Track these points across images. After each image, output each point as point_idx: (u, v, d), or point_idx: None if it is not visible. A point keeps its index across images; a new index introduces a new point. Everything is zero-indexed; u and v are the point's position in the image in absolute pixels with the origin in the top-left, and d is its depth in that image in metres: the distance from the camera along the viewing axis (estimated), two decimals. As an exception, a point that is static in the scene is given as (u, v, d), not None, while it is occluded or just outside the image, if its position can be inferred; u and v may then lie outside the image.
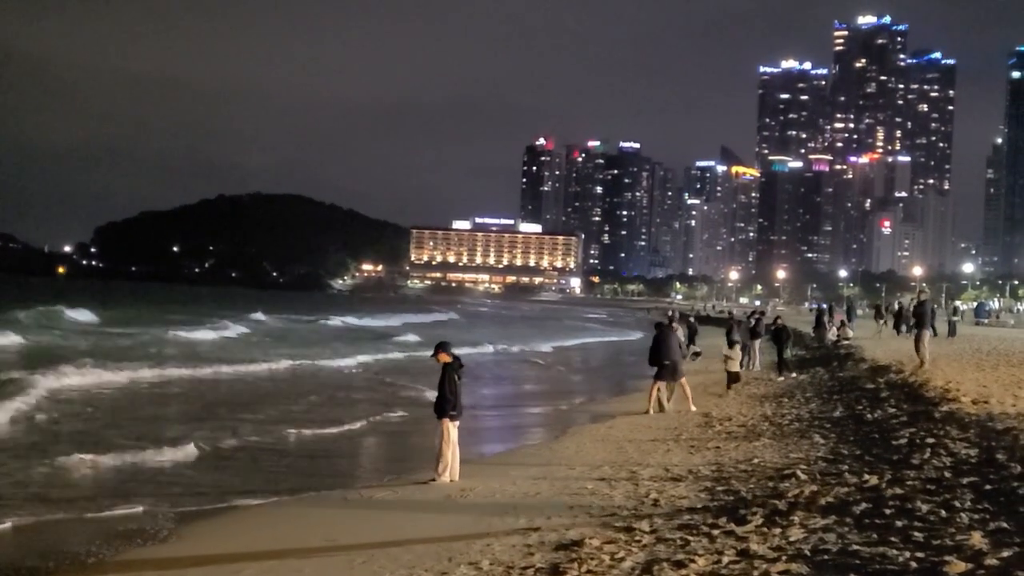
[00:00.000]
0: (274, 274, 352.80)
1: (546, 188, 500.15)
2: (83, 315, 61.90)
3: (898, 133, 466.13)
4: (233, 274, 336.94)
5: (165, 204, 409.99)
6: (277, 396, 25.61)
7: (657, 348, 21.93)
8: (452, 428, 13.73)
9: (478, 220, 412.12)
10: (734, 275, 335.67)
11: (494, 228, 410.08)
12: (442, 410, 13.67)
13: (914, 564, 7.39)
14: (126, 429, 18.80)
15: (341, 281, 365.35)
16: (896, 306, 58.10)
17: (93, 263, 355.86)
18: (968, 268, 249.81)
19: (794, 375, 28.70)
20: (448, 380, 13.74)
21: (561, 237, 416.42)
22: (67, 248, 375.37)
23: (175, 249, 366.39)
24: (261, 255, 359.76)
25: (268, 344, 46.36)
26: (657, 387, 21.86)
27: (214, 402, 23.79)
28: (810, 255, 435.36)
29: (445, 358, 13.87)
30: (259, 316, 73.45)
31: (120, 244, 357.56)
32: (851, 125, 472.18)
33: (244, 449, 17.40)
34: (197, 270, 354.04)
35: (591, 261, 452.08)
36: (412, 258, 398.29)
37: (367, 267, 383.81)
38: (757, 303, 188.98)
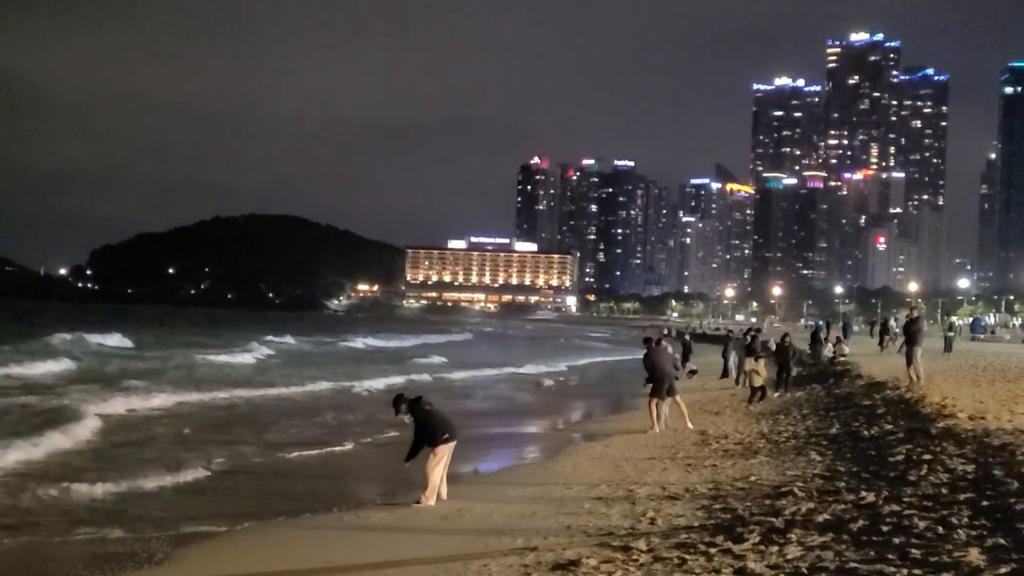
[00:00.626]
0: (270, 295, 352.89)
1: (541, 207, 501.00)
2: (117, 340, 62.30)
3: (892, 149, 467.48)
4: (229, 295, 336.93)
5: (161, 226, 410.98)
6: (295, 418, 25.74)
7: (650, 366, 21.83)
8: (448, 450, 13.64)
9: (473, 239, 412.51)
10: (730, 292, 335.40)
11: (489, 247, 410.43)
12: (432, 441, 13.51)
13: (912, 581, 7.39)
14: (150, 452, 19.00)
15: (337, 301, 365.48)
16: (881, 320, 58.21)
17: (89, 285, 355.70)
18: (963, 284, 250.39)
19: (789, 394, 28.49)
20: (422, 416, 13.61)
21: (556, 256, 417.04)
22: (63, 271, 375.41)
23: (171, 271, 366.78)
24: (257, 276, 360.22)
25: (300, 366, 46.80)
26: (655, 403, 21.76)
27: (239, 424, 24.03)
28: (805, 272, 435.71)
29: (404, 407, 13.75)
30: (288, 339, 75.08)
31: (116, 267, 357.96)
32: (845, 142, 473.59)
33: (245, 472, 17.39)
34: (193, 292, 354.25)
35: (586, 279, 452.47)
36: (408, 278, 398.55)
37: (363, 287, 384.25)
38: (753, 320, 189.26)
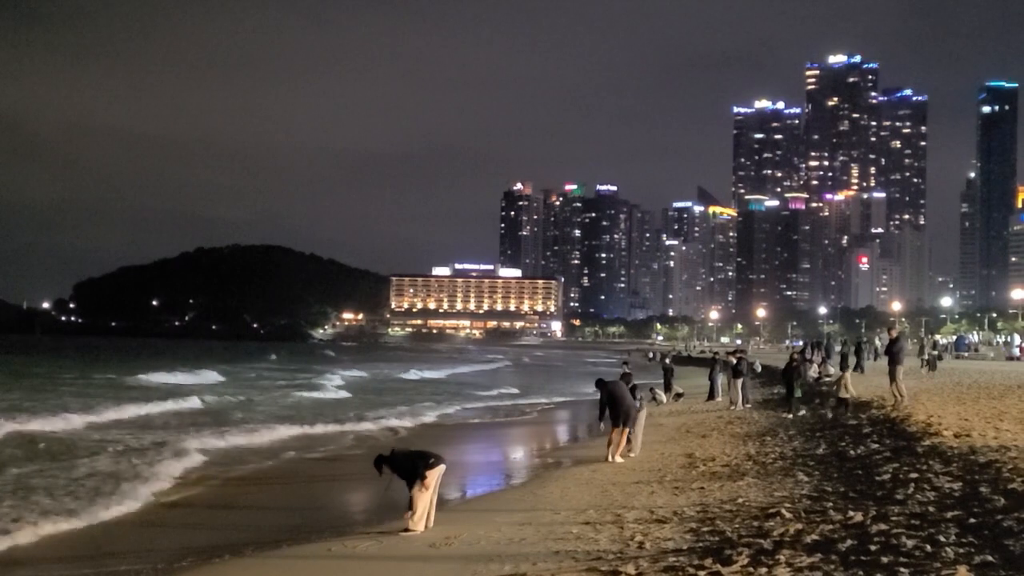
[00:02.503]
0: (254, 325, 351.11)
1: (525, 233, 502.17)
2: (212, 377, 63.35)
3: (872, 170, 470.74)
4: (213, 327, 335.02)
5: (144, 259, 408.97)
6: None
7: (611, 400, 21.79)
8: (436, 474, 13.54)
9: (458, 266, 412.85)
10: (714, 315, 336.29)
11: (474, 274, 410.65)
12: (418, 473, 13.36)
13: (901, 600, 7.38)
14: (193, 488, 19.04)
15: (321, 331, 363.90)
16: (841, 342, 58.16)
17: (72, 319, 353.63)
18: (946, 302, 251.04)
19: (802, 412, 28.24)
20: (402, 461, 13.51)
21: (541, 281, 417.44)
22: (46, 305, 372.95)
23: (154, 303, 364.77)
24: (241, 307, 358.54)
25: (386, 397, 48.74)
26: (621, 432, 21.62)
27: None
28: (789, 293, 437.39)
29: (384, 465, 13.70)
30: (359, 372, 78.24)
31: (99, 300, 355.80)
32: (826, 163, 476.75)
33: (237, 504, 17.46)
34: (177, 323, 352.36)
35: (571, 304, 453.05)
36: (392, 306, 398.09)
37: (347, 316, 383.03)
38: (738, 342, 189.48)
